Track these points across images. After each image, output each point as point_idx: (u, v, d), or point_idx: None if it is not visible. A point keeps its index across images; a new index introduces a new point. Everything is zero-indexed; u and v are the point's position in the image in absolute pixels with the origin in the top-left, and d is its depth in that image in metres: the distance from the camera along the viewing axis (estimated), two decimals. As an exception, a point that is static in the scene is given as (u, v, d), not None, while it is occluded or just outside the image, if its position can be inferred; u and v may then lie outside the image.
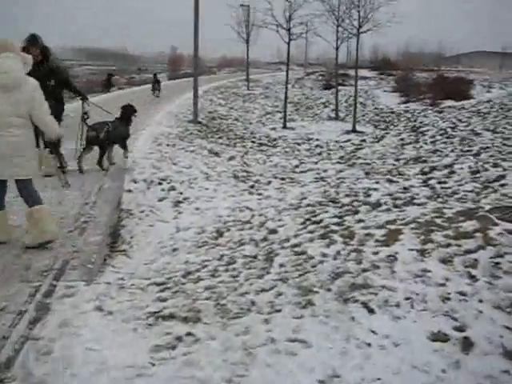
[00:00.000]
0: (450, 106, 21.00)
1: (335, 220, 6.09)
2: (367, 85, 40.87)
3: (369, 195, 8.09)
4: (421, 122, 17.59)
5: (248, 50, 38.86)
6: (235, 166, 10.55)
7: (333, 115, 23.21)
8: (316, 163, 11.56)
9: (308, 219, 6.45)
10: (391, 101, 27.12)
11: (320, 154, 13.20)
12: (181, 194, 8.22)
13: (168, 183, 8.55)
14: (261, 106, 26.81)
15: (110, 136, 8.87)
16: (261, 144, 14.38)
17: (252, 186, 8.96)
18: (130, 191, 8.12)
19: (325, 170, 10.51)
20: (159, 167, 9.22)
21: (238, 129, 17.00)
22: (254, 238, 5.88)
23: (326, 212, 6.75)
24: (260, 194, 8.48)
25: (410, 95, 27.77)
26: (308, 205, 7.55)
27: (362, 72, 55.37)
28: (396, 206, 6.73)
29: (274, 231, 6.07)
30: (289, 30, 16.76)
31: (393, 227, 5.22)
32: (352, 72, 49.21)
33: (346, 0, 16.51)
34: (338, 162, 11.57)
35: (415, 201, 7.24)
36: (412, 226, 5.15)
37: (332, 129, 16.94)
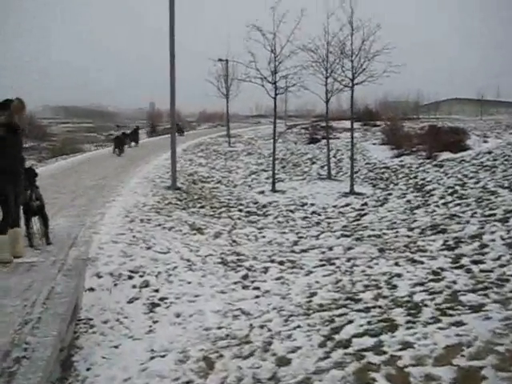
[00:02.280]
0: (448, 159, 19.85)
1: (369, 342, 4.53)
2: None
3: (394, 286, 6.59)
4: (423, 179, 16.33)
5: (228, 105, 37.80)
6: (222, 247, 8.98)
7: (324, 173, 21.94)
8: (317, 238, 10.05)
9: (328, 337, 4.87)
10: (383, 154, 25.98)
11: (319, 223, 11.71)
12: (156, 291, 6.65)
13: (140, 276, 6.98)
14: (244, 165, 25.49)
15: None
16: (249, 213, 12.87)
17: (245, 277, 7.38)
18: (91, 290, 6.53)
19: (330, 248, 8.99)
20: (130, 254, 7.64)
21: (222, 194, 15.51)
22: (257, 375, 4.27)
23: (351, 322, 5.20)
24: (257, 289, 6.90)
25: (402, 148, 26.72)
26: (321, 306, 6.01)
27: (345, 123, 55.11)
28: (443, 312, 5.17)
29: (284, 361, 4.47)
30: (275, 83, 15.61)
31: (463, 363, 3.69)
32: (336, 124, 48.77)
33: (336, 50, 15.45)
34: (343, 235, 10.07)
35: (461, 297, 5.70)
36: (491, 359, 3.62)
37: (327, 191, 15.55)
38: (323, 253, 8.80)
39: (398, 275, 7.10)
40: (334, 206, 13.50)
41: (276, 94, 16.02)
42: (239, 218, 12.02)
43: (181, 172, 18.47)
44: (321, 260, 8.28)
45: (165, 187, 14.49)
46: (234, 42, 37.34)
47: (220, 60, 38.29)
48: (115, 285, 6.70)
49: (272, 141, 41.77)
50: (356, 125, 55.96)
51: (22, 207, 7.45)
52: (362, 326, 5.05)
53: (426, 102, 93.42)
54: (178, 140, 37.09)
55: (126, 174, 16.97)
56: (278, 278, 7.31)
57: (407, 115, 60.25)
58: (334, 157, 27.09)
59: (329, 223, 11.68)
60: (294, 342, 4.89)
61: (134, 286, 6.70)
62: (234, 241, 9.61)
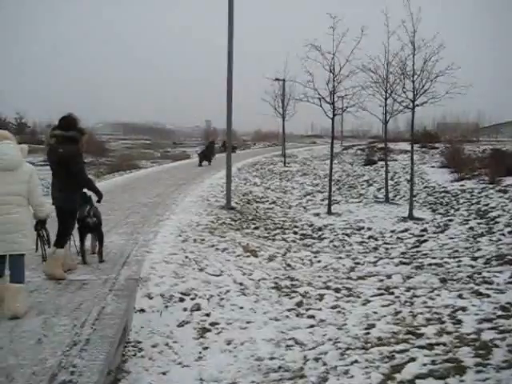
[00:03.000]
0: (512, 184, 19.01)
1: (435, 385, 4.18)
2: (410, 159, 39.28)
3: (459, 321, 6.18)
4: (486, 205, 15.61)
5: (284, 125, 37.73)
6: (276, 271, 8.75)
7: (380, 196, 21.43)
8: (375, 264, 9.67)
9: (389, 376, 4.54)
10: (442, 178, 25.16)
11: (376, 249, 11.30)
12: (207, 315, 6.47)
13: (192, 299, 6.83)
14: (299, 185, 25.24)
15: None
16: (304, 235, 12.59)
17: (300, 304, 7.11)
18: (141, 311, 6.42)
19: (388, 276, 8.60)
20: (182, 275, 7.51)
21: (277, 215, 15.29)
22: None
23: (413, 360, 4.85)
24: (311, 317, 6.62)
25: (462, 171, 25.84)
26: (380, 339, 5.67)
27: (402, 145, 54.04)
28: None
29: (342, 401, 4.19)
30: (333, 103, 15.33)
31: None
32: (393, 146, 47.93)
33: (397, 70, 15.05)
34: (402, 262, 9.65)
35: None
36: None
37: (384, 215, 15.08)
38: (381, 281, 8.43)
39: (463, 309, 6.68)
40: (392, 231, 13.03)
41: (334, 115, 15.75)
42: (294, 241, 11.76)
43: (235, 191, 18.39)
44: (379, 289, 7.91)
45: (219, 207, 14.40)
46: (291, 62, 37.33)
47: (277, 79, 38.32)
48: (166, 307, 6.57)
49: (328, 161, 41.58)
50: (414, 147, 54.79)
51: (77, 223, 7.49)
52: (425, 365, 4.71)
53: (486, 123, 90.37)
54: (236, 158, 37.38)
55: (181, 192, 17.00)
56: (333, 307, 7.01)
57: (466, 137, 58.50)
58: (392, 179, 26.49)
59: (386, 249, 11.26)
60: (352, 379, 4.59)
61: (185, 309, 6.55)
62: (289, 265, 9.37)
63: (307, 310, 6.89)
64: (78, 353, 4.59)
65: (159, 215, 12.12)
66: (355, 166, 36.01)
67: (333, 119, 15.89)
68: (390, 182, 25.51)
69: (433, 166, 30.64)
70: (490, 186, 20.07)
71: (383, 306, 7.00)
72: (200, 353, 5.55)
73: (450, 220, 13.83)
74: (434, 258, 9.96)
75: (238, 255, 9.34)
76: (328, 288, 7.91)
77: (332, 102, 15.37)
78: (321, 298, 7.41)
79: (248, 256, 9.43)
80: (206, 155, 30.83)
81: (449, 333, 5.77)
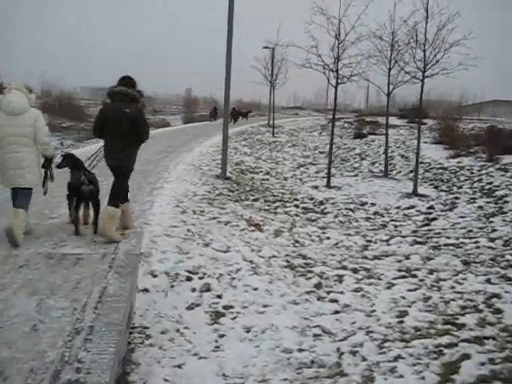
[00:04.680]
0: (512, 162, 18.59)
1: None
2: (400, 134, 38.82)
3: (498, 311, 5.62)
4: (489, 183, 15.14)
5: (273, 94, 36.75)
6: (285, 247, 8.12)
7: (376, 170, 20.90)
8: (388, 243, 9.09)
9: (446, 377, 3.95)
10: (436, 154, 24.67)
11: (385, 226, 10.73)
12: (219, 297, 5.83)
13: (200, 278, 6.17)
14: (290, 156, 24.55)
15: None
16: (306, 209, 11.96)
17: (319, 285, 6.49)
18: (145, 291, 5.74)
19: (406, 257, 8.03)
20: (186, 251, 6.83)
21: (274, 187, 14.62)
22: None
23: (467, 358, 4.27)
24: (334, 301, 6.00)
25: (457, 148, 25.37)
26: (417, 330, 5.07)
27: (391, 120, 53.48)
28: None
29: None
30: (337, 71, 14.54)
31: None
32: (382, 120, 47.35)
33: (406, 38, 14.25)
34: (416, 241, 9.09)
35: None
36: None
37: (386, 190, 14.50)
38: (399, 261, 7.85)
39: (497, 296, 6.13)
40: (398, 208, 12.47)
41: (337, 83, 14.97)
42: (297, 215, 11.13)
43: (227, 161, 17.65)
44: (399, 270, 7.33)
45: (213, 176, 13.67)
46: (288, 27, 36.03)
47: (266, 47, 37.22)
48: (172, 286, 5.91)
49: (315, 133, 40.71)
50: (402, 122, 54.17)
51: (72, 191, 6.77)
52: (483, 364, 4.12)
53: (470, 102, 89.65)
54: (214, 127, 36.61)
55: (171, 159, 16.19)
56: (356, 290, 6.40)
57: (451, 115, 57.92)
58: (385, 153, 25.99)
59: (395, 226, 10.70)
60: (402, 379, 3.99)
61: (194, 290, 5.89)
62: (297, 241, 8.73)
63: (328, 292, 6.27)
64: (82, 344, 3.89)
65: (152, 183, 11.36)
66: (345, 138, 35.37)
67: (336, 87, 15.11)
68: (382, 157, 25.03)
69: (425, 142, 30.11)
70: (489, 163, 19.64)
71: (409, 290, 6.42)
72: (216, 341, 4.91)
73: (456, 198, 13.31)
74: (448, 237, 9.41)
75: (243, 229, 8.68)
76: (345, 268, 7.30)
77: (336, 69, 14.57)
78: (340, 279, 6.80)
79: (253, 230, 8.77)
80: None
81: (491, 324, 5.21)
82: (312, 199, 13.14)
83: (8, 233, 5.99)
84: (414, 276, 7.02)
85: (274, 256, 7.44)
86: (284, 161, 22.69)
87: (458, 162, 21.04)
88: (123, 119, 6.46)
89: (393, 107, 72.64)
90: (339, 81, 14.90)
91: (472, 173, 17.94)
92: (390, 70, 16.10)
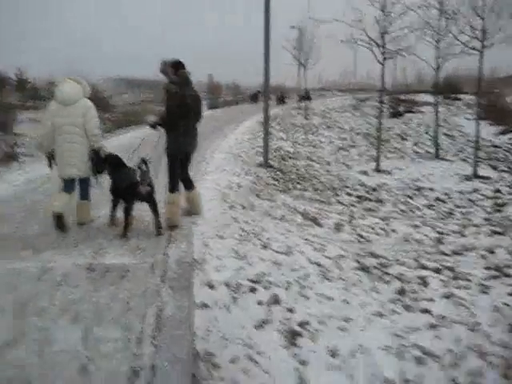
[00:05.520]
0: None
1: None
2: (437, 111, 37.46)
3: None
4: (552, 161, 14.00)
5: (305, 75, 35.51)
6: (351, 244, 7.25)
7: (420, 151, 19.81)
8: (462, 234, 8.13)
9: None
10: (484, 131, 23.38)
11: (451, 214, 9.76)
12: (291, 311, 4.96)
13: (266, 288, 5.31)
14: (327, 139, 23.54)
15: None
16: (360, 198, 11.04)
17: (402, 291, 5.58)
18: (204, 307, 4.90)
19: (491, 251, 7.06)
20: (244, 254, 6.00)
21: (320, 173, 13.71)
22: None
23: None
24: (426, 312, 5.10)
25: (504, 124, 24.08)
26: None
27: (423, 97, 51.86)
28: None
29: None
30: (383, 46, 13.49)
31: None
32: (417, 98, 45.83)
33: (458, 5, 13.02)
34: (494, 231, 8.11)
35: None
36: None
37: (441, 172, 13.48)
38: (483, 257, 6.90)
39: None
40: (459, 192, 11.46)
41: (384, 59, 13.90)
42: (352, 205, 10.22)
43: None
44: (486, 268, 6.39)
45: (255, 164, 12.82)
46: (317, 2, 34.59)
47: (293, 27, 36.09)
48: (234, 300, 5.06)
49: (347, 113, 39.44)
50: (436, 98, 52.42)
51: (124, 190, 6.29)
52: None
53: (502, 74, 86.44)
54: (249, 111, 35.77)
55: (207, 147, 15.36)
56: (446, 296, 5.48)
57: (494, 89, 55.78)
58: (427, 133, 24.83)
59: (463, 214, 9.71)
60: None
61: (260, 303, 5.04)
62: (361, 235, 7.84)
63: (415, 300, 5.37)
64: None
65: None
66: (380, 118, 34.17)
67: (383, 64, 14.05)
68: (426, 136, 23.86)
69: (468, 119, 28.81)
70: (545, 139, 18.46)
71: (510, 294, 5.48)
72: (298, 370, 4.07)
73: (522, 178, 12.23)
74: (531, 226, 8.42)
75: (299, 224, 7.83)
76: (425, 267, 6.38)
77: (383, 44, 13.51)
78: (423, 281, 5.89)
79: (311, 225, 7.91)
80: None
81: None
82: (363, 185, 12.21)
83: (57, 221, 6.38)
84: (508, 275, 6.08)
85: (341, 256, 6.55)
86: (321, 144, 21.72)
87: (510, 139, 19.84)
88: (200, 106, 6.76)
89: (421, 84, 70.60)
90: (385, 56, 13.83)
91: (529, 150, 16.77)
92: (437, 42, 14.97)
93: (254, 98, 50.13)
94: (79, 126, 6.28)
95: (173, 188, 6.81)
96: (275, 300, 5.11)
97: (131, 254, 5.66)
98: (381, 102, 15.81)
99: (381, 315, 5.02)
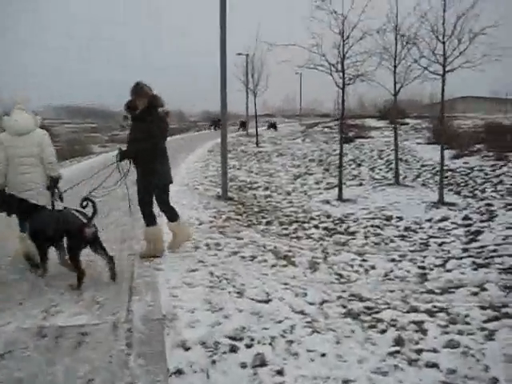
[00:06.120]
0: (525, 160, 17.47)
1: None
2: (386, 136, 37.86)
3: None
4: (513, 185, 13.92)
5: (255, 102, 35.24)
6: (331, 286, 6.67)
7: (378, 177, 19.62)
8: (445, 267, 7.72)
9: None
10: (436, 155, 23.44)
11: (427, 245, 9.35)
12: (280, 374, 4.29)
13: (248, 347, 4.63)
14: (281, 167, 23.13)
15: None
16: (328, 230, 10.52)
17: (400, 342, 5.00)
18: (179, 373, 4.17)
19: (482, 287, 6.62)
20: (219, 305, 5.32)
21: (282, 204, 13.16)
22: None
23: None
24: (433, 366, 4.52)
25: (455, 148, 24.25)
26: None
27: (368, 121, 52.57)
28: None
29: None
30: (343, 71, 13.17)
31: None
32: (365, 123, 46.33)
33: (415, 30, 12.87)
34: (476, 264, 7.70)
35: None
36: None
37: (406, 200, 13.14)
38: (475, 294, 6.44)
39: None
40: (429, 220, 11.11)
41: (344, 84, 13.58)
42: (322, 239, 9.67)
43: (217, 176, 16.19)
44: (482, 307, 5.90)
45: (213, 197, 12.16)
46: (269, 28, 34.58)
47: (239, 54, 35.95)
48: (213, 362, 4.36)
49: (298, 140, 39.38)
50: (383, 123, 53.28)
51: (66, 235, 5.52)
52: None
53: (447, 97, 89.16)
54: (198, 138, 35.16)
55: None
56: (451, 345, 4.92)
57: (422, 114, 57.26)
58: (381, 158, 24.82)
59: (439, 245, 9.30)
60: None
61: (244, 365, 4.35)
62: (340, 275, 7.28)
63: (417, 352, 4.78)
64: None
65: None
66: (331, 144, 34.19)
67: (343, 90, 13.71)
68: (380, 161, 23.80)
69: (419, 143, 29.07)
70: (500, 162, 18.54)
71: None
72: None
73: (489, 205, 11.98)
74: (510, 255, 8.05)
75: (273, 265, 7.19)
76: (416, 310, 5.85)
77: (342, 69, 13.20)
78: (420, 328, 5.33)
79: (285, 265, 7.29)
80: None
81: None
82: (329, 217, 11.71)
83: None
84: (510, 316, 5.61)
85: (325, 301, 5.94)
86: (277, 172, 21.26)
87: (465, 163, 19.91)
88: (167, 131, 6.60)
89: (363, 108, 71.57)
90: (345, 81, 13.51)
91: (486, 174, 16.76)
92: (395, 67, 14.84)
93: (214, 124, 51.30)
94: (35, 156, 6.11)
95: (148, 221, 6.65)
96: (261, 360, 4.43)
97: (88, 312, 4.88)
98: (341, 127, 15.45)
99: (384, 373, 4.41)
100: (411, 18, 13.58)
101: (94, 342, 4.22)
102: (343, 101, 14.09)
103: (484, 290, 6.57)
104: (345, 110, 14.61)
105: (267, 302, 5.62)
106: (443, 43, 12.01)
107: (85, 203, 5.71)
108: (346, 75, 13.32)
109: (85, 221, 5.52)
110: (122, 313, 4.87)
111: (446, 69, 12.21)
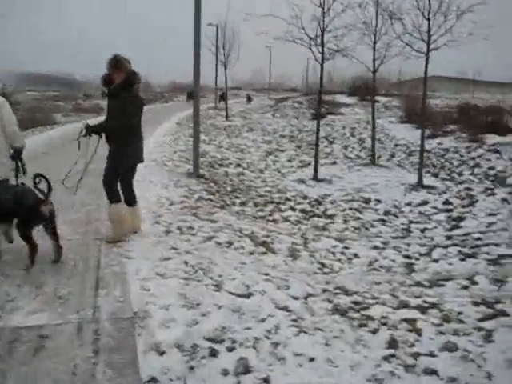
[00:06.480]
0: (500, 143, 17.34)
1: None
2: (356, 113, 37.70)
3: None
4: (491, 169, 13.77)
5: (226, 75, 34.44)
6: (315, 277, 6.27)
7: (352, 156, 19.32)
8: (431, 257, 7.40)
9: None
10: (409, 134, 23.35)
11: (409, 231, 9.05)
12: (265, 382, 3.87)
13: (230, 350, 4.18)
14: (252, 143, 22.63)
15: None
16: (306, 212, 10.13)
17: (393, 344, 4.63)
18: (153, 381, 3.71)
19: (472, 281, 6.31)
20: (196, 300, 4.86)
21: (256, 183, 12.70)
22: None
23: None
24: (432, 373, 4.17)
25: (430, 127, 24.12)
26: None
27: (340, 98, 52.32)
28: None
29: None
30: (322, 46, 12.66)
31: None
32: (333, 98, 45.98)
33: (410, 6, 12.38)
34: (463, 253, 7.42)
35: None
36: None
37: (384, 181, 12.84)
38: (466, 288, 6.14)
39: None
40: (409, 204, 10.82)
41: (323, 59, 13.08)
42: (300, 222, 9.28)
43: (187, 151, 15.60)
44: (475, 303, 5.60)
45: (184, 174, 11.60)
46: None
47: (210, 24, 35.06)
48: (191, 369, 3.90)
49: (268, 114, 38.82)
50: (353, 100, 52.96)
51: (20, 212, 5.19)
52: None
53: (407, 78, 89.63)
54: (165, 111, 34.45)
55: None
56: (448, 348, 4.57)
57: (389, 91, 57.37)
58: (353, 136, 24.55)
59: (421, 231, 9.01)
60: None
61: (226, 372, 3.91)
62: (322, 263, 6.89)
63: (413, 356, 4.42)
64: None
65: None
66: (302, 120, 33.84)
67: (322, 65, 13.22)
68: (353, 140, 23.51)
69: (391, 122, 28.91)
70: (474, 144, 18.43)
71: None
72: None
73: (469, 189, 11.78)
74: (497, 245, 7.79)
75: (251, 253, 6.74)
76: (407, 306, 5.49)
77: (322, 43, 12.68)
78: (413, 327, 4.98)
79: (264, 253, 6.86)
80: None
81: None
82: (305, 198, 11.32)
83: None
84: (505, 313, 5.30)
85: (310, 294, 5.54)
86: (248, 148, 20.76)
87: (439, 144, 19.80)
88: (142, 109, 6.19)
89: (332, 83, 71.00)
90: (325, 57, 13.00)
91: (462, 156, 16.63)
92: (374, 43, 14.41)
93: (190, 96, 48.45)
94: None
95: (114, 198, 6.25)
96: (244, 367, 3.99)
97: (49, 308, 4.36)
98: (319, 103, 15.00)
99: (378, 381, 4.03)
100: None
101: (54, 348, 3.71)
102: (321, 77, 13.62)
103: (474, 283, 6.28)
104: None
105: (248, 296, 5.18)
106: (428, 20, 11.59)
107: (37, 180, 5.34)
108: (325, 50, 12.79)
109: (42, 197, 5.21)
110: (88, 310, 4.36)
111: (431, 47, 11.80)
